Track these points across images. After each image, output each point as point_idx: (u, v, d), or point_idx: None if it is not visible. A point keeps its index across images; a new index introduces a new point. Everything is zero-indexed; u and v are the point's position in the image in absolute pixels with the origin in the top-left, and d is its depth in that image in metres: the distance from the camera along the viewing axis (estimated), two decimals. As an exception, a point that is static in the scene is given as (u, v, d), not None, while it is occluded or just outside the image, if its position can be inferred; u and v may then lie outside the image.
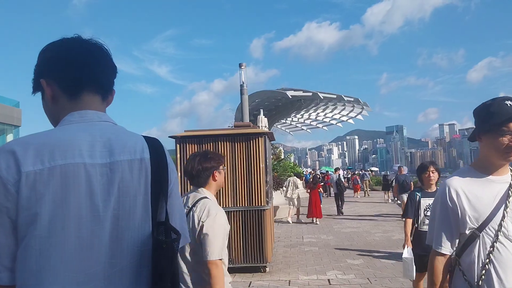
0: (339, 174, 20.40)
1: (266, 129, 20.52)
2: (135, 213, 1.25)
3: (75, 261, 1.15)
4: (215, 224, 2.58)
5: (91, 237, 1.18)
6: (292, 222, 15.31)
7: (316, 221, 15.02)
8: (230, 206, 7.90)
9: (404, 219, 5.53)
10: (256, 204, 7.91)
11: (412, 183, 14.89)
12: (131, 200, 1.25)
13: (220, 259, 2.53)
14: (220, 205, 7.76)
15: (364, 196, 27.72)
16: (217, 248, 2.53)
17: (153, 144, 1.37)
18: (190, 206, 2.68)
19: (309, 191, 15.55)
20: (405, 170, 15.05)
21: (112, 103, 1.51)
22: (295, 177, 17.19)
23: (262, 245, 7.82)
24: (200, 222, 2.57)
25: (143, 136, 1.40)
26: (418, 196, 5.25)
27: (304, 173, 34.26)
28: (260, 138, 8.09)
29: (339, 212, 17.79)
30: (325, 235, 12.22)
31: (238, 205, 7.90)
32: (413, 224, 5.35)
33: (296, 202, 15.69)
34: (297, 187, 15.97)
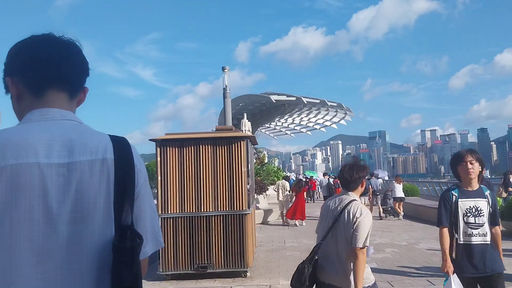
0: (328, 178, 21.35)
1: (249, 133, 20.51)
2: (94, 216, 1.19)
3: (27, 265, 1.09)
4: (365, 220, 3.29)
5: (44, 241, 1.11)
6: (290, 224, 15.76)
7: (300, 223, 15.47)
8: (211, 210, 7.82)
9: (439, 227, 3.95)
10: (238, 209, 7.84)
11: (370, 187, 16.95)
12: (91, 202, 1.18)
13: (365, 247, 3.24)
14: (200, 209, 7.69)
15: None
16: (364, 238, 3.24)
17: (119, 144, 1.29)
18: (344, 206, 3.39)
19: (294, 194, 15.81)
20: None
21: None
22: (283, 180, 17.77)
23: (243, 249, 7.76)
24: (355, 218, 3.28)
25: (110, 135, 1.32)
26: (454, 197, 3.85)
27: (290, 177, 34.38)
28: (242, 142, 8.04)
29: None
30: (307, 239, 12.19)
31: (219, 209, 7.82)
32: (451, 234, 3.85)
33: (284, 204, 16.29)
34: (287, 190, 16.54)
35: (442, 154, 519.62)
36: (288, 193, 16.30)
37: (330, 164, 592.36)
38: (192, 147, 7.95)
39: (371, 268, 8.27)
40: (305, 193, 18.60)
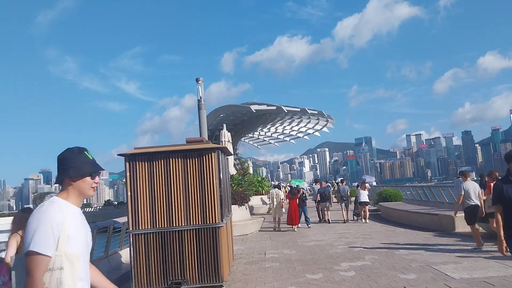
0: (320, 185, 22.06)
1: (229, 143, 20.41)
2: None
3: None
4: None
5: None
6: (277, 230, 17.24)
7: (294, 228, 16.64)
8: (183, 224, 7.65)
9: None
10: (211, 222, 7.69)
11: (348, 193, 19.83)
12: None
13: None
14: (172, 224, 7.51)
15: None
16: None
17: None
18: None
19: (288, 201, 17.56)
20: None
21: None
22: (277, 189, 19.02)
23: (218, 263, 7.59)
24: None
25: None
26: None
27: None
28: (213, 153, 7.90)
29: (325, 219, 19.57)
30: (288, 250, 12.07)
31: (192, 223, 7.66)
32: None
33: (277, 212, 17.68)
34: (281, 198, 18.15)
35: (428, 158, 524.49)
36: (283, 201, 18.40)
37: (318, 171, 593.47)
38: (162, 161, 7.80)
39: (349, 276, 8.17)
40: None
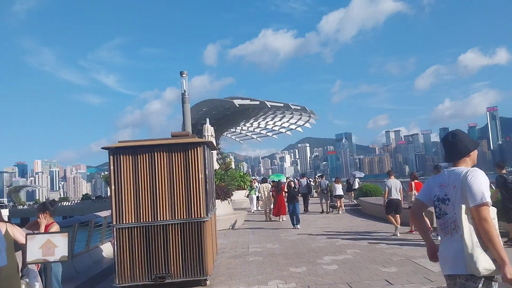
0: (307, 179, 25.32)
1: (212, 138, 20.38)
2: None
3: None
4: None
5: None
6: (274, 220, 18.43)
7: (282, 218, 17.93)
8: (168, 218, 7.63)
9: None
10: (196, 216, 7.69)
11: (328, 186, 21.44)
12: None
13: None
14: (157, 218, 7.51)
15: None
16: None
17: None
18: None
19: (275, 195, 18.11)
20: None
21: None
22: (266, 183, 21.10)
23: (202, 257, 7.61)
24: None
25: None
26: None
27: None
28: (198, 147, 7.90)
29: (306, 209, 21.92)
30: (271, 244, 12.16)
31: (176, 218, 7.65)
32: None
33: (267, 202, 19.50)
34: (269, 191, 19.75)
35: (406, 154, 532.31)
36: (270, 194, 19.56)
37: (298, 166, 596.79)
38: (147, 155, 7.76)
39: (332, 270, 8.29)
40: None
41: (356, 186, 26.59)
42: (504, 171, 10.31)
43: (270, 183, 22.58)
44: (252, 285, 7.65)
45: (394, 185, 13.07)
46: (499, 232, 3.09)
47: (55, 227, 5.96)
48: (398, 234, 12.29)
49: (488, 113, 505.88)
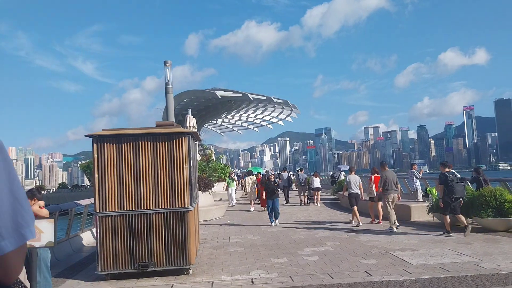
0: (288, 173, 26.81)
1: (194, 129, 20.31)
2: None
3: None
4: None
5: None
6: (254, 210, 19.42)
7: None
8: (151, 208, 7.64)
9: None
10: (179, 206, 7.71)
11: (306, 180, 23.04)
12: None
13: None
14: (140, 207, 7.50)
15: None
16: None
17: None
18: None
19: (261, 187, 18.78)
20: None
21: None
22: (252, 176, 22.30)
23: (185, 247, 7.65)
24: None
25: None
26: None
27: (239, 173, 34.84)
28: (183, 137, 7.90)
29: (287, 200, 23.34)
30: (252, 235, 12.25)
31: (160, 207, 7.66)
32: None
33: (252, 195, 20.89)
34: (255, 183, 21.19)
35: (384, 150, 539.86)
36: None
37: (278, 160, 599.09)
38: (131, 143, 7.73)
39: (313, 261, 8.42)
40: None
41: (342, 179, 27.18)
42: (447, 170, 11.40)
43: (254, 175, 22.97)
44: (234, 274, 7.73)
45: (354, 180, 14.29)
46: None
47: (44, 212, 5.92)
48: (354, 223, 13.73)
49: (464, 112, 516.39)
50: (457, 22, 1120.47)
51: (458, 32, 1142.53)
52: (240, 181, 28.57)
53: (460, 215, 10.91)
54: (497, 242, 9.54)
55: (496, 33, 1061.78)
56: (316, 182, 21.95)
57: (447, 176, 11.01)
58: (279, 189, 15.32)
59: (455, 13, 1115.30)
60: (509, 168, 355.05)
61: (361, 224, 13.42)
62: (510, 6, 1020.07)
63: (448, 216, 10.86)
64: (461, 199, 10.92)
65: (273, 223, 14.06)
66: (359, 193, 14.21)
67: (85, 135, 7.87)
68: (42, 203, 6.19)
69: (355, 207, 13.72)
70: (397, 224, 12.18)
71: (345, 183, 14.61)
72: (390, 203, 12.53)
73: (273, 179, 15.49)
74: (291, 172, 30.18)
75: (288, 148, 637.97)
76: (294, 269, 7.91)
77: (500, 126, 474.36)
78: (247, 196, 23.69)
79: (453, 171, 12.18)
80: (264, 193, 16.21)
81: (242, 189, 26.68)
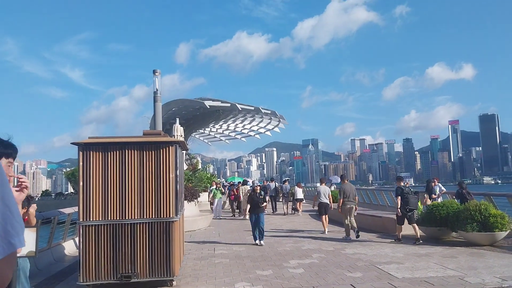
0: (275, 183, 27.46)
1: (181, 138, 20.21)
2: None
3: None
4: None
5: None
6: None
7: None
8: (136, 217, 7.53)
9: None
10: (165, 216, 7.62)
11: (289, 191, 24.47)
12: None
13: None
14: (125, 216, 7.38)
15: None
16: None
17: None
18: None
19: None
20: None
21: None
22: (246, 185, 23.70)
23: (170, 258, 7.54)
24: None
25: None
26: None
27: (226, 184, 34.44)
28: (170, 147, 7.83)
29: (274, 210, 24.37)
30: (237, 246, 12.16)
31: (145, 217, 7.56)
32: None
33: (244, 204, 20.33)
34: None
35: (370, 162, 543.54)
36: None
37: (265, 170, 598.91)
38: (118, 152, 7.63)
39: (298, 273, 8.36)
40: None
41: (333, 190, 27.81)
42: (402, 183, 12.87)
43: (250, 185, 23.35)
44: (219, 286, 7.64)
45: (323, 191, 15.26)
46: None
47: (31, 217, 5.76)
48: (326, 232, 14.51)
49: (450, 126, 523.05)
50: (445, 37, 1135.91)
51: (446, 47, 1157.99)
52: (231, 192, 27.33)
53: (415, 224, 12.10)
54: (482, 256, 9.60)
55: (483, 49, 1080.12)
56: (299, 193, 22.80)
57: (403, 189, 12.40)
58: (265, 202, 13.42)
59: (443, 28, 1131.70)
60: (493, 182, 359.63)
61: (326, 232, 14.41)
62: (497, 23, 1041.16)
63: (401, 226, 12.27)
64: (415, 210, 12.34)
65: (261, 241, 12.38)
66: (328, 203, 14.93)
67: (71, 143, 7.75)
68: (35, 206, 6.02)
69: (324, 216, 14.73)
70: (349, 235, 13.16)
71: (316, 194, 15.93)
72: (348, 214, 13.36)
73: (258, 191, 13.34)
74: (277, 183, 30.08)
75: (275, 159, 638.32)
76: (279, 281, 7.84)
77: (484, 141, 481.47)
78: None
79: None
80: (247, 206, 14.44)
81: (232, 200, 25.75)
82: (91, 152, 7.57)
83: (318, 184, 17.73)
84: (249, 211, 13.12)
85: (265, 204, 13.31)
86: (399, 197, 12.25)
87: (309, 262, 9.52)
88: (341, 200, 13.42)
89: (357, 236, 12.76)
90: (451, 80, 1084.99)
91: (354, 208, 13.53)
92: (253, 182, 37.70)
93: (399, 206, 12.16)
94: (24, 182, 2.43)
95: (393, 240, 12.29)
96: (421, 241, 11.65)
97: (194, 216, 16.91)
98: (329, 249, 11.37)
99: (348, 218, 13.25)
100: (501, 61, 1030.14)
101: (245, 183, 25.89)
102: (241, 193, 22.73)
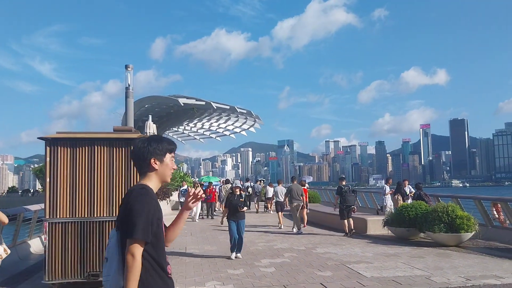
0: (250, 183, 28.44)
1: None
2: None
3: None
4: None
5: None
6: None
7: None
8: (105, 215, 7.38)
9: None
10: (134, 213, 7.48)
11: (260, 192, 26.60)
12: None
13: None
14: (93, 214, 7.21)
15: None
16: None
17: None
18: None
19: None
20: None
21: None
22: (229, 184, 23.37)
23: (139, 256, 7.41)
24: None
25: None
26: None
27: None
28: (142, 143, 7.70)
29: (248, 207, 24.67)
30: (209, 246, 12.10)
31: (114, 215, 7.38)
32: None
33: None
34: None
35: (344, 164, 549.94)
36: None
37: (240, 170, 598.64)
38: (86, 148, 7.46)
39: (269, 272, 8.38)
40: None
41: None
42: (343, 183, 14.52)
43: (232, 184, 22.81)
44: (189, 285, 7.57)
45: (280, 190, 17.18)
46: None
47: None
48: (282, 227, 16.02)
49: (421, 129, 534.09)
50: (421, 42, 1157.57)
51: (422, 52, 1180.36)
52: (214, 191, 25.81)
53: (350, 219, 13.77)
54: (448, 257, 9.82)
55: (457, 56, 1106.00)
56: (270, 192, 23.38)
57: (342, 188, 14.07)
58: (246, 206, 10.76)
59: (420, 33, 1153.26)
60: (461, 185, 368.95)
61: (282, 227, 16.00)
62: (471, 30, 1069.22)
63: (346, 220, 13.68)
64: (353, 206, 13.99)
65: (237, 254, 10.20)
66: (283, 201, 16.25)
67: (38, 138, 7.54)
68: None
69: (280, 213, 16.59)
70: (299, 228, 14.72)
71: (273, 193, 18.57)
72: (295, 210, 14.90)
73: (238, 192, 10.77)
74: (252, 183, 30.28)
75: (250, 159, 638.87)
76: (250, 280, 7.83)
77: (454, 145, 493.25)
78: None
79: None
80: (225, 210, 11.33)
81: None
82: (59, 148, 7.38)
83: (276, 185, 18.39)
84: (227, 218, 10.74)
85: (245, 208, 10.62)
86: (338, 195, 14.12)
87: (281, 261, 9.55)
88: (286, 198, 15.32)
89: (298, 230, 14.49)
90: (425, 85, 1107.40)
91: (301, 205, 15.09)
92: (232, 182, 37.34)
93: (338, 203, 14.03)
94: None
95: (344, 235, 13.56)
96: (350, 234, 13.43)
97: (166, 215, 16.65)
98: (301, 248, 11.43)
99: (297, 214, 14.90)
100: (473, 67, 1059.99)
101: (227, 182, 26.03)
102: (223, 193, 22.42)
